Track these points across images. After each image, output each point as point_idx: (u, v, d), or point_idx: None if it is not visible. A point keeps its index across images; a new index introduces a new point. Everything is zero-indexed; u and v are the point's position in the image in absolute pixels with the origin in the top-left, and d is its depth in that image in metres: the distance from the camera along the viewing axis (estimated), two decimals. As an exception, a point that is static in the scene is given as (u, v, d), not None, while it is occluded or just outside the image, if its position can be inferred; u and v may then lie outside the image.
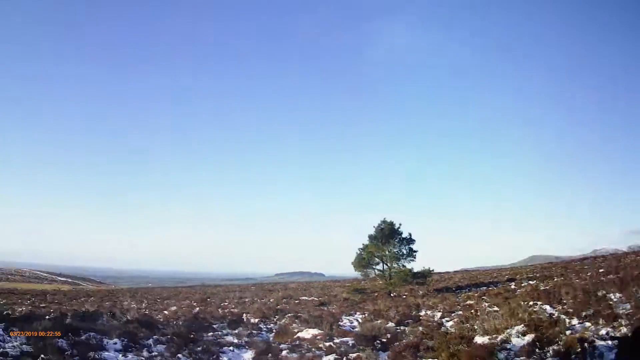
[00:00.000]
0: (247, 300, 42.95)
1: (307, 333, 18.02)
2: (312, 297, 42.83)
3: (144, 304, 41.86)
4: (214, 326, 21.20)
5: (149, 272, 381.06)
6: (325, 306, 32.70)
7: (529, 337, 12.17)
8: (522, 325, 14.20)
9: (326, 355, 13.85)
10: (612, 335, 11.65)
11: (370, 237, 39.84)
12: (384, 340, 14.98)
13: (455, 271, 65.50)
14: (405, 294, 38.61)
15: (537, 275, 44.99)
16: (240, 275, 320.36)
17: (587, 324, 13.78)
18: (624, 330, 11.71)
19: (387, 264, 39.34)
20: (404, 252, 38.86)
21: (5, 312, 22.70)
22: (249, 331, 19.55)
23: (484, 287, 38.58)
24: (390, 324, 19.31)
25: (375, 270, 40.46)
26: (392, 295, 37.66)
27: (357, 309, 28.07)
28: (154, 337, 16.13)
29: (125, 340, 14.72)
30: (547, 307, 19.05)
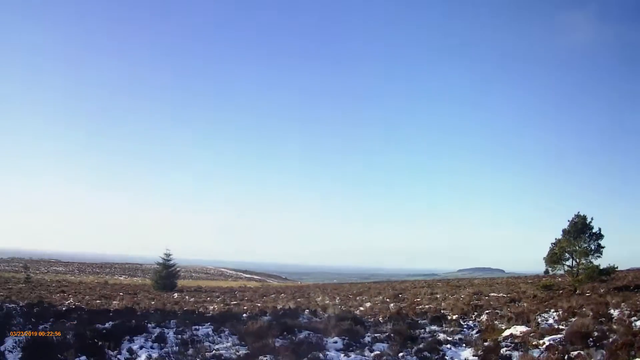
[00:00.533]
0: (438, 296, 44.49)
1: (516, 330, 18.08)
2: (500, 294, 43.22)
3: (337, 300, 43.74)
4: (419, 322, 22.32)
5: (330, 268, 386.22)
6: (516, 302, 33.64)
7: None
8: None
9: (546, 351, 13.52)
10: None
11: (563, 231, 39.65)
12: (594, 338, 14.43)
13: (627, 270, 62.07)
14: (588, 292, 38.50)
15: None
16: (424, 271, 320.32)
17: None
18: None
19: (576, 260, 39.08)
20: (592, 247, 38.21)
21: (198, 311, 24.64)
22: (452, 328, 20.03)
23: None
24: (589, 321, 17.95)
25: (565, 266, 40.15)
26: (577, 292, 37.58)
27: (549, 306, 28.63)
28: (370, 334, 16.17)
29: (346, 338, 14.67)
30: None
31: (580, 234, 38.64)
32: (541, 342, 14.94)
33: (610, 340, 13.91)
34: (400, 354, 13.24)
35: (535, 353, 13.31)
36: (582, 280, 37.55)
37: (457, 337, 17.59)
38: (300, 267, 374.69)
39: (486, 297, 40.31)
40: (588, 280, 37.29)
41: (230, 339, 14.58)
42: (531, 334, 16.72)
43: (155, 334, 14.89)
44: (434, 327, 20.20)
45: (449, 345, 15.39)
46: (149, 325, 16.62)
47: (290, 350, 12.07)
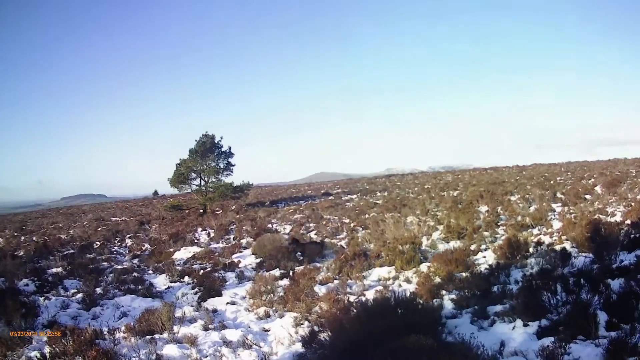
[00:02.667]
0: (61, 226, 42.47)
1: (188, 251, 19.82)
2: (122, 218, 43.85)
3: None
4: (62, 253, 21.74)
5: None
6: (146, 225, 33.79)
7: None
8: (442, 230, 17.19)
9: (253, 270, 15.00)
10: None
11: (190, 151, 39.63)
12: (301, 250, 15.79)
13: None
14: (218, 210, 39.72)
15: (350, 189, 48.82)
16: (28, 203, 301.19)
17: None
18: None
19: (204, 179, 39.05)
20: (222, 166, 38.82)
21: None
22: (107, 255, 20.69)
23: (302, 202, 41.36)
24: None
25: (193, 186, 40.23)
26: (207, 211, 38.27)
27: (194, 225, 30.34)
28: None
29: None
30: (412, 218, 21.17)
31: (209, 153, 39.54)
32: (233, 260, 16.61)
33: (349, 251, 14.60)
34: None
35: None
36: (214, 198, 39.02)
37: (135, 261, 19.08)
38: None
39: (113, 221, 40.32)
40: (221, 198, 39.05)
41: None
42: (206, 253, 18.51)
43: None
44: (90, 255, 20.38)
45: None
46: None
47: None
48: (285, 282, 11.95)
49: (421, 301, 7.72)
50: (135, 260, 19.22)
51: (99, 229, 33.94)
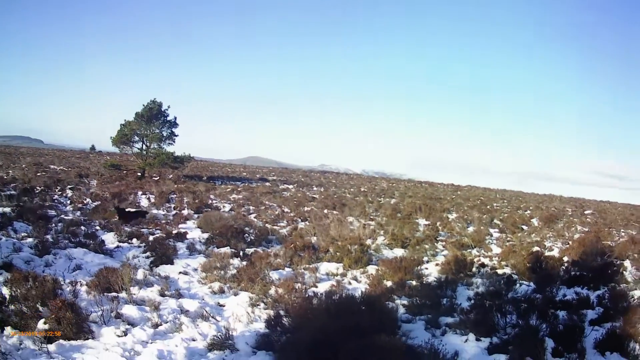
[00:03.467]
0: (0, 164, 41.44)
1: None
2: (61, 167, 43.60)
3: None
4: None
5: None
6: (86, 178, 33.06)
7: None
8: (387, 236, 17.65)
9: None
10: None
11: (136, 114, 39.32)
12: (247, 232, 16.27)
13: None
14: (155, 176, 39.62)
15: (287, 179, 49.31)
16: None
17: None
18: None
19: (146, 144, 38.75)
20: (165, 134, 38.75)
21: None
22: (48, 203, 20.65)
23: (239, 182, 41.66)
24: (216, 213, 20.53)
25: (134, 149, 39.25)
26: (145, 175, 38.23)
27: (136, 187, 29.48)
28: None
29: None
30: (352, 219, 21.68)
31: (154, 119, 39.26)
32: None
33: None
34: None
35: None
36: (154, 164, 38.24)
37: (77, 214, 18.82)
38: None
39: (51, 169, 40.26)
40: (160, 165, 38.28)
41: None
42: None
43: None
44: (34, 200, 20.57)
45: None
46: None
47: None
48: (236, 261, 12.02)
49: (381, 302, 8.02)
50: (78, 213, 18.78)
51: (38, 174, 33.55)
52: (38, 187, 25.02)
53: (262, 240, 15.53)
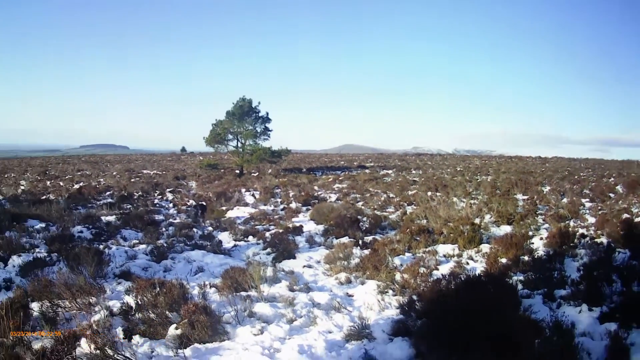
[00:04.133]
0: (89, 174, 43.55)
1: (242, 211, 20.78)
2: (155, 171, 45.28)
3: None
4: (99, 202, 22.96)
5: None
6: (183, 180, 34.04)
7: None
8: (493, 214, 17.74)
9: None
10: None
11: (227, 113, 40.90)
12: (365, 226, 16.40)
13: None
14: (254, 172, 40.44)
15: (385, 164, 49.38)
16: (45, 147, 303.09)
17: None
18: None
19: (241, 141, 39.64)
20: (259, 130, 39.60)
21: None
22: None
23: (338, 172, 41.93)
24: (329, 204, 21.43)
25: (230, 147, 40.52)
26: (244, 172, 39.03)
27: (238, 185, 30.31)
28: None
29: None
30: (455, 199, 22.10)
31: (246, 116, 39.62)
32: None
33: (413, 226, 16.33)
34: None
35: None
36: (252, 160, 38.49)
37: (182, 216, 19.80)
38: None
39: (145, 174, 42.17)
40: (258, 161, 38.98)
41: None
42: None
43: None
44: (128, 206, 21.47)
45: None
46: None
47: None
48: (357, 250, 12.16)
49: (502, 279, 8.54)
50: (184, 216, 19.60)
51: (132, 180, 35.45)
52: (135, 193, 26.32)
53: (376, 228, 16.07)
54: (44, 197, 23.61)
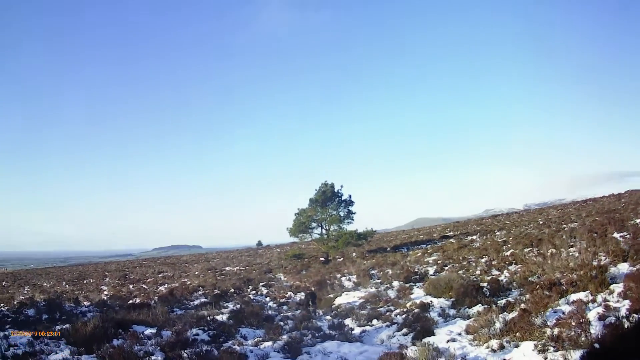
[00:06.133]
0: (171, 275, 44.08)
1: (353, 296, 20.24)
2: (237, 267, 44.86)
3: (67, 286, 41.22)
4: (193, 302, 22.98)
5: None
6: (270, 273, 33.80)
7: None
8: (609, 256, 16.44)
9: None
10: None
11: (310, 200, 41.26)
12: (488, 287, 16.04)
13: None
14: (339, 257, 39.79)
15: (466, 231, 48.27)
16: (118, 252, 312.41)
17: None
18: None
19: (325, 228, 39.38)
20: (342, 214, 39.31)
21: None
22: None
23: (423, 245, 41.39)
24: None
25: (314, 235, 40.48)
26: (329, 258, 38.47)
27: (331, 271, 30.69)
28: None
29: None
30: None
31: (329, 202, 39.38)
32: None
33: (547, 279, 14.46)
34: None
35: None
36: (338, 246, 38.16)
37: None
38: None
39: (228, 271, 41.78)
40: (345, 246, 37.99)
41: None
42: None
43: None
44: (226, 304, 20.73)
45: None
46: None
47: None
48: (493, 315, 11.65)
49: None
50: (285, 308, 19.45)
51: (218, 277, 35.43)
52: (227, 290, 26.06)
53: (498, 291, 15.40)
54: (130, 301, 23.70)
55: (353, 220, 40.97)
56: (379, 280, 24.05)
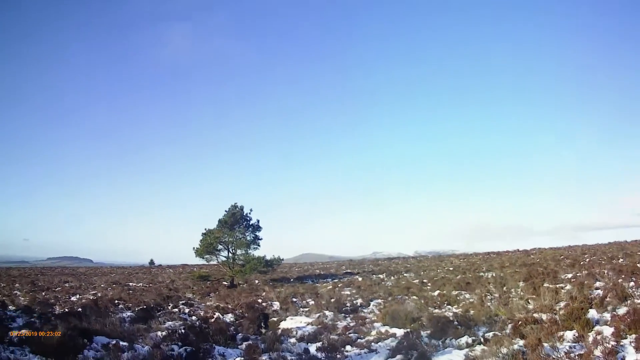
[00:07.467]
0: (77, 286, 42.21)
1: (299, 321, 20.00)
2: (141, 284, 43.61)
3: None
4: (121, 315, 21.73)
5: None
6: (177, 292, 33.28)
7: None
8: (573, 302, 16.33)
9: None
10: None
11: (219, 221, 40.37)
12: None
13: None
14: (242, 283, 39.38)
15: (364, 270, 48.89)
16: (11, 259, 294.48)
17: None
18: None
19: (232, 251, 38.88)
20: (250, 239, 38.95)
21: None
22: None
23: (330, 279, 42.59)
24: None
25: (221, 257, 39.90)
26: (234, 283, 38.21)
27: (248, 295, 30.51)
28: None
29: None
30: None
31: (237, 224, 40.18)
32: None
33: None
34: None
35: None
36: (245, 271, 38.29)
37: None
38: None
39: (132, 286, 40.54)
40: (251, 271, 37.78)
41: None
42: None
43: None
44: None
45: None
46: None
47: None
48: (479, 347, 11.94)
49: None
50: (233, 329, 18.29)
51: (127, 292, 33.72)
52: (151, 306, 24.64)
53: (472, 327, 15.04)
54: (50, 309, 22.66)
55: (259, 246, 40.76)
56: (307, 309, 23.78)
